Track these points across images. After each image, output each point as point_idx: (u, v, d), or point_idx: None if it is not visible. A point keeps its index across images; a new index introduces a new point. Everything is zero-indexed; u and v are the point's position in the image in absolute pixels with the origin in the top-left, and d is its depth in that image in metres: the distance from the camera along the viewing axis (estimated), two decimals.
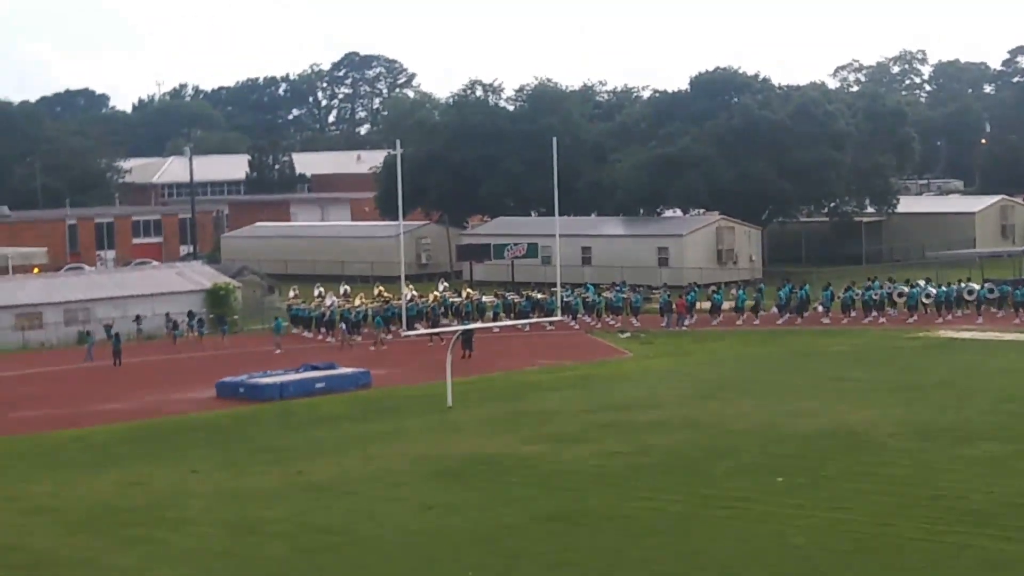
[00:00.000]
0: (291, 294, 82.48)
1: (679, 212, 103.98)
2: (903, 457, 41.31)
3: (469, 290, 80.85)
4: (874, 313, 74.65)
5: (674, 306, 76.17)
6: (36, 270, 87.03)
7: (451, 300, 77.94)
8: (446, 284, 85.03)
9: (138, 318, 75.41)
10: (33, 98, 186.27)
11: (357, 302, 77.36)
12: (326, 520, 36.48)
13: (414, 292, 75.74)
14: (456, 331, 62.82)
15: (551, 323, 72.70)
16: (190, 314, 76.03)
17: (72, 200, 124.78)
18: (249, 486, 40.50)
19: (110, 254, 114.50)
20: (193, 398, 56.46)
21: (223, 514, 37.49)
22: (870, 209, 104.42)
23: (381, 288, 78.98)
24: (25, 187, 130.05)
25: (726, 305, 77.41)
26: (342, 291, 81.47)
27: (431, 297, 77.59)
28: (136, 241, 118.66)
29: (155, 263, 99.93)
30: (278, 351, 68.61)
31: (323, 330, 74.99)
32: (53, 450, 47.03)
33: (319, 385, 57.09)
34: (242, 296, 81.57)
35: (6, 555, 34.46)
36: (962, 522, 34.11)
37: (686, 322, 75.20)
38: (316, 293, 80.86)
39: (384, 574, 31.61)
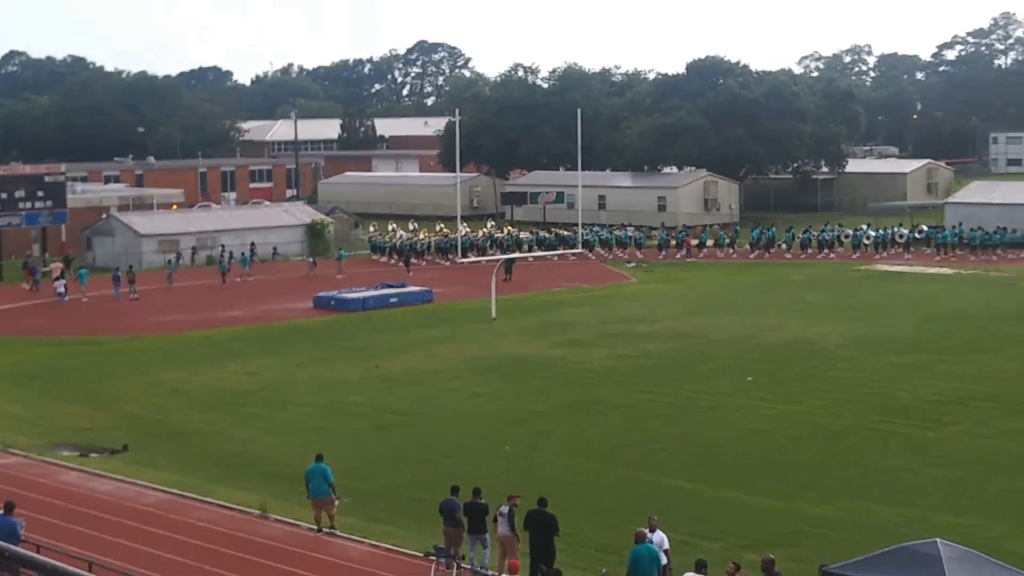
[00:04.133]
0: (371, 229, 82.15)
1: (675, 169, 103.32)
2: (846, 363, 41.33)
3: (510, 227, 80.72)
4: (825, 250, 74.24)
5: (682, 242, 75.58)
6: (175, 207, 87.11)
7: (496, 235, 77.95)
8: (492, 223, 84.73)
9: (253, 245, 74.64)
10: (174, 72, 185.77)
11: (422, 235, 77.64)
12: (397, 404, 36.73)
13: (467, 228, 75.69)
14: (499, 259, 62.92)
15: (573, 254, 72.65)
16: (252, 246, 73.54)
17: (203, 153, 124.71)
18: (338, 376, 40.78)
19: (232, 195, 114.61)
20: (295, 308, 56.73)
21: (318, 398, 37.79)
22: (824, 169, 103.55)
23: (442, 225, 79.04)
24: (167, 143, 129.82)
25: (710, 243, 77.10)
26: (411, 227, 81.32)
27: (480, 233, 77.63)
28: (252, 186, 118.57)
29: (266, 203, 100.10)
30: (339, 276, 66.80)
31: (394, 256, 74.83)
32: (186, 347, 47.41)
33: (392, 300, 57.26)
34: (334, 230, 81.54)
35: (151, 426, 34.88)
36: (891, 414, 34.15)
37: (688, 256, 74.23)
38: (390, 228, 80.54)
39: (441, 447, 31.83)
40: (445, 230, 76.97)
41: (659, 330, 48.37)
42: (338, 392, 38.39)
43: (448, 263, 72.44)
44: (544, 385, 38.78)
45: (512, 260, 65.47)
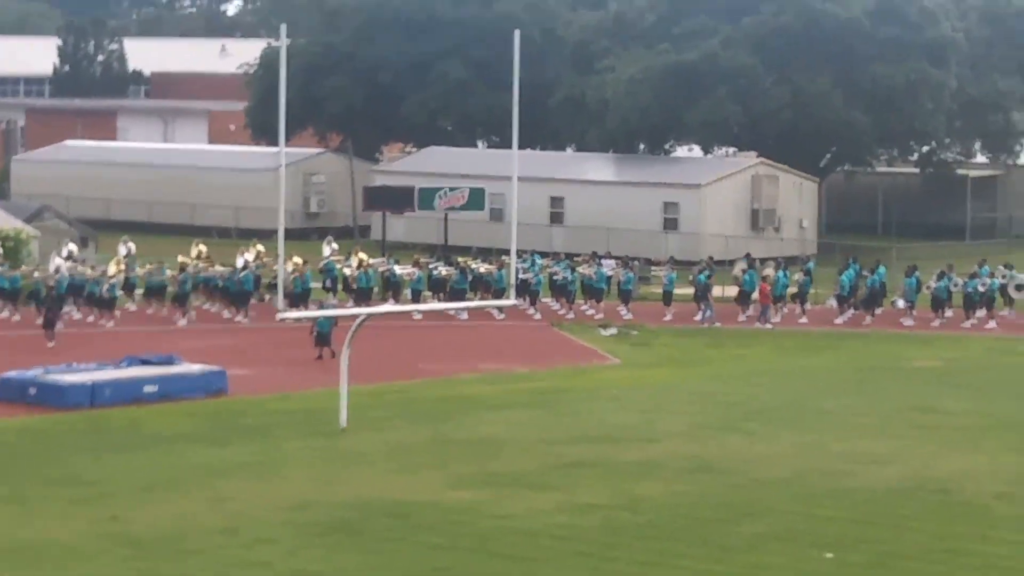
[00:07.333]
0: None
1: (697, 150, 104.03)
2: (1015, 530, 41.32)
3: (363, 255, 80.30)
4: (981, 312, 74.89)
5: (705, 289, 76.25)
6: None
7: (340, 267, 78.54)
8: (335, 246, 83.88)
9: None
10: None
11: (112, 269, 75.61)
12: None
13: (254, 254, 75.66)
14: (313, 315, 63.20)
15: (501, 310, 72.78)
16: None
17: None
18: (39, 536, 40.24)
19: None
20: None
21: None
22: (981, 158, 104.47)
23: (202, 247, 79.20)
24: None
25: (757, 294, 77.45)
26: (122, 250, 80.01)
27: (290, 266, 74.12)
28: None
29: None
30: None
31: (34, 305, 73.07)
32: None
33: (149, 388, 56.97)
34: (40, 250, 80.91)
35: None
36: None
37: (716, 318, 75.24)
38: (123, 252, 79.82)
39: None
40: (201, 252, 78.44)
41: (660, 458, 48.37)
42: (40, 569, 37.94)
43: (243, 318, 72.80)
44: (439, 560, 38.54)
45: (332, 321, 63.96)
